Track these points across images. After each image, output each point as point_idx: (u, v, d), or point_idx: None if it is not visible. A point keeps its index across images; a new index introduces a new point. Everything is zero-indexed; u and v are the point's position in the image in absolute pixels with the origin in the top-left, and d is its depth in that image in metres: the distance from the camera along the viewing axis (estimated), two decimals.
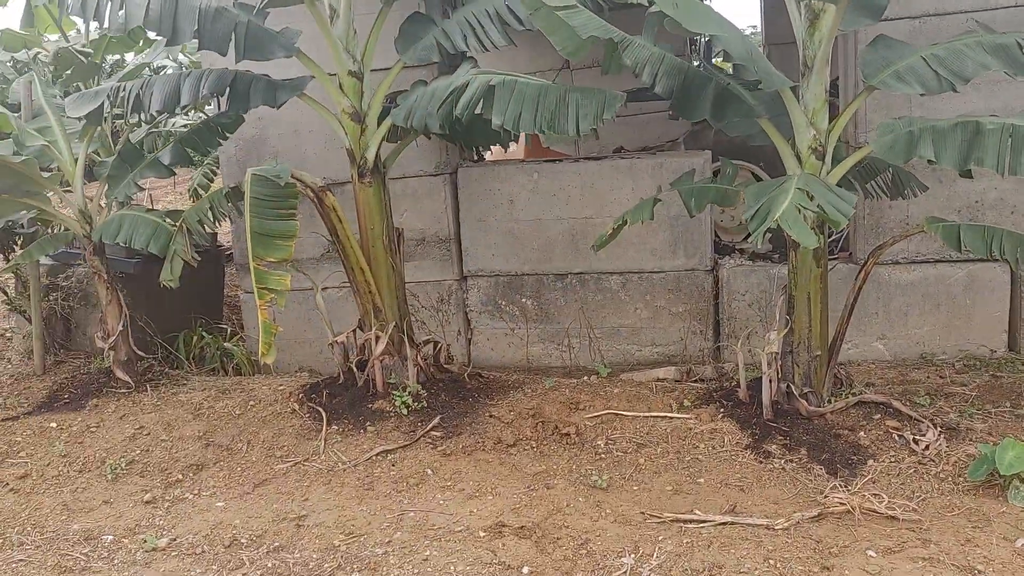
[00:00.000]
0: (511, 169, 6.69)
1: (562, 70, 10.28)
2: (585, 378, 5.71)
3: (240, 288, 7.26)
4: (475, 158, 7.32)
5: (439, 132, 4.87)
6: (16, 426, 5.48)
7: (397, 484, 4.51)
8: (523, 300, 6.73)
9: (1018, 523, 3.78)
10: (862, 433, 4.58)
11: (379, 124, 5.25)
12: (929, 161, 4.08)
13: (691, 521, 3.97)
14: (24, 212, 5.88)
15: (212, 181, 10.73)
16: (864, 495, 4.05)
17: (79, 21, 7.80)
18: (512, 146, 10.75)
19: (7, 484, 4.79)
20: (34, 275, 6.33)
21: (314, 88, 5.35)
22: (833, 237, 6.54)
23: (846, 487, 4.16)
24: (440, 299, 6.83)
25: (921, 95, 4.34)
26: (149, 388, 5.89)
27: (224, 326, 7.42)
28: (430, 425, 5.02)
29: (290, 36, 5.04)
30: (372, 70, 5.32)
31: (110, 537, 4.23)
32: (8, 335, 7.45)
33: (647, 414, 4.94)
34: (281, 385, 5.81)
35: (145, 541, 4.12)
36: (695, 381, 5.67)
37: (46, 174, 5.56)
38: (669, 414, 4.93)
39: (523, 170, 6.62)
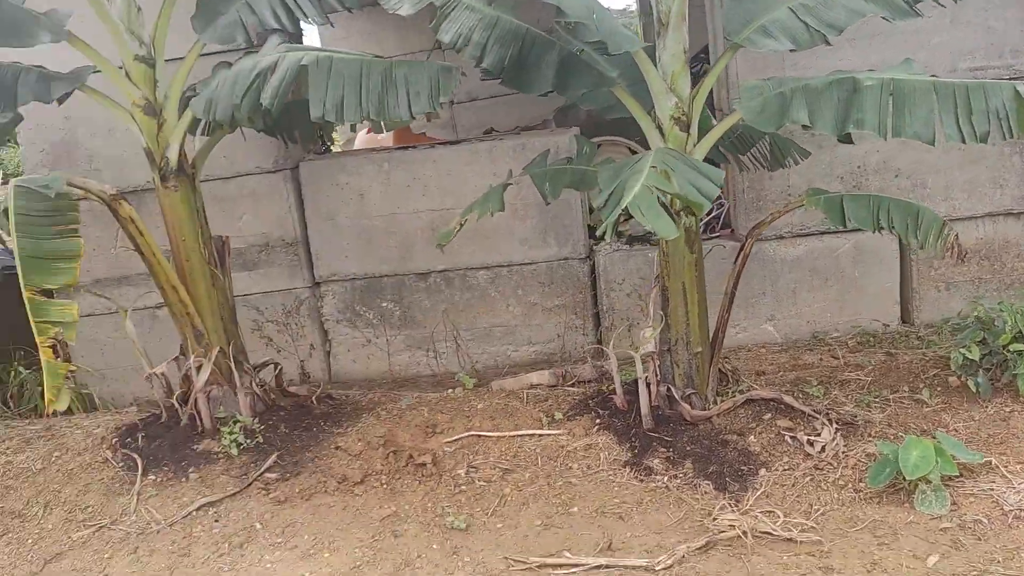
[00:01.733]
0: (359, 160, 5.97)
1: (433, 51, 9.51)
2: (449, 391, 5.05)
3: None
4: (319, 150, 6.57)
5: (250, 125, 4.11)
6: None
7: (218, 546, 3.78)
8: (384, 304, 6.04)
9: (928, 535, 3.30)
10: (752, 437, 4.06)
11: (180, 117, 4.46)
12: (804, 127, 3.55)
13: (561, 566, 3.37)
14: None
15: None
16: (756, 514, 3.53)
17: None
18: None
19: None
20: None
21: (102, 80, 4.51)
22: (714, 214, 6.04)
23: (736, 505, 3.63)
24: (288, 310, 6.07)
25: (791, 51, 3.81)
26: None
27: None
28: (264, 466, 4.29)
29: (58, 18, 4.20)
30: (169, 60, 4.52)
31: None
32: None
33: (514, 433, 4.32)
34: (98, 427, 4.98)
35: None
36: (572, 384, 5.06)
37: None
38: (539, 431, 4.32)
39: (372, 160, 5.91)
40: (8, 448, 4.82)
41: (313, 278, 6.12)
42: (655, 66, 3.86)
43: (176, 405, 4.66)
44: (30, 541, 4.00)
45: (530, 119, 9.65)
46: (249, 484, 4.18)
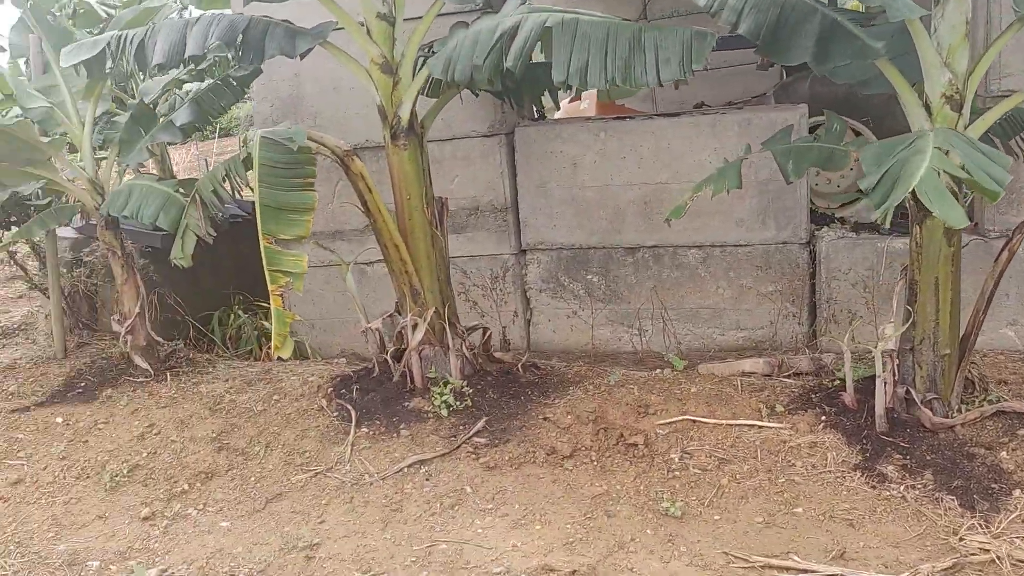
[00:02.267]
0: (574, 128, 5.85)
1: (639, 20, 9.27)
2: (658, 371, 4.88)
3: None
4: (534, 116, 6.50)
5: (488, 87, 4.06)
6: (23, 419, 4.95)
7: (430, 504, 3.80)
8: (589, 277, 5.92)
9: None
10: (1004, 453, 3.67)
11: (414, 77, 4.48)
12: None
13: (788, 569, 3.16)
14: (34, 182, 5.30)
15: None
16: (1012, 539, 3.18)
17: None
18: (583, 102, 9.94)
19: None
20: (51, 250, 5.78)
21: (341, 37, 4.59)
22: None
23: (987, 526, 3.29)
24: (495, 276, 6.07)
25: None
26: (169, 377, 5.29)
27: (265, 305, 6.81)
28: (473, 430, 4.29)
29: None
30: (405, 19, 4.53)
31: (96, 563, 3.64)
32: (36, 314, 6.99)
33: (731, 422, 4.10)
34: (312, 375, 5.15)
35: (132, 572, 3.51)
36: (788, 376, 4.79)
37: (46, 139, 4.95)
38: (758, 422, 4.09)
39: (588, 129, 5.77)
40: (231, 387, 5.06)
41: (520, 245, 6.08)
42: (930, 37, 3.50)
43: (389, 361, 4.74)
44: (253, 479, 4.17)
45: (737, 96, 9.27)
46: (458, 446, 4.18)
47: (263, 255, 3.98)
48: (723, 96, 9.23)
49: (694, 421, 4.14)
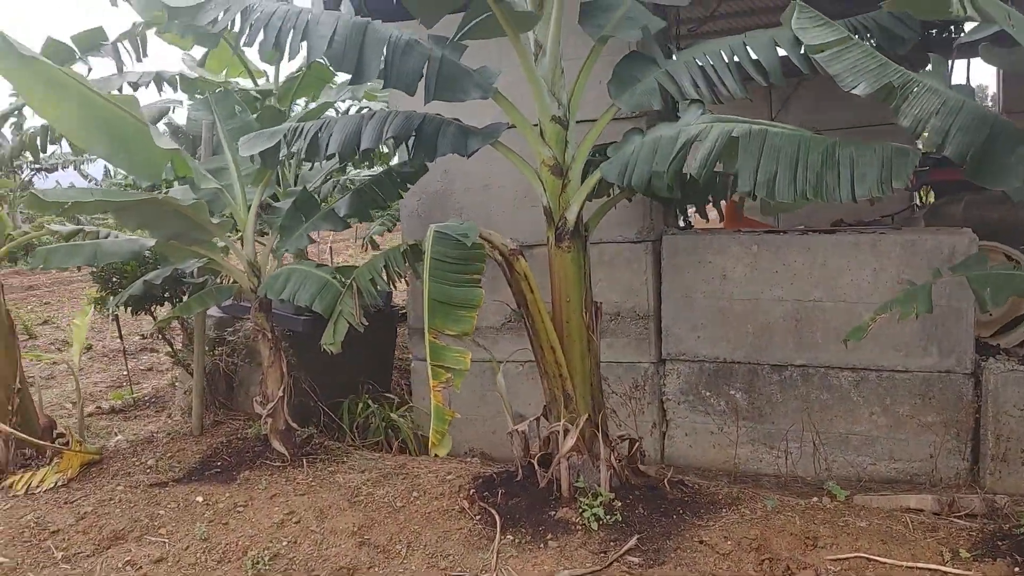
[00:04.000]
0: (726, 239, 5.74)
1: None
2: (815, 499, 4.61)
3: (412, 354, 6.62)
4: (682, 225, 6.44)
5: (665, 195, 4.00)
6: (162, 495, 4.96)
7: None
8: (732, 392, 5.72)
9: None
10: None
11: (583, 179, 4.47)
12: None
13: None
14: (193, 261, 5.45)
15: (390, 231, 10.35)
16: None
17: (268, 68, 7.56)
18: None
19: (140, 567, 4.21)
20: (199, 328, 5.91)
21: (508, 137, 4.63)
22: None
23: None
24: (634, 385, 5.92)
25: None
26: (306, 463, 5.26)
27: (390, 396, 6.79)
28: (625, 547, 4.07)
29: (488, 75, 4.35)
30: (576, 121, 4.55)
31: None
32: (172, 386, 7.12)
33: (912, 564, 3.80)
34: (449, 473, 5.03)
35: None
36: (959, 516, 4.46)
37: (216, 219, 5.09)
38: (941, 567, 3.77)
39: (739, 241, 5.66)
40: (368, 480, 4.99)
41: (660, 354, 5.94)
42: None
43: (535, 466, 4.60)
44: None
45: (866, 213, 9.12)
46: (609, 564, 3.97)
47: (427, 350, 3.93)
48: (854, 214, 9.08)
49: (869, 560, 3.84)
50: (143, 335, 9.84)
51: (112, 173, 23.88)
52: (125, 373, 8.29)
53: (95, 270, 6.16)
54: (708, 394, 5.82)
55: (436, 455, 4.00)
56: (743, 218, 9.52)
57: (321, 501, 4.71)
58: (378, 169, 7.18)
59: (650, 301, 5.91)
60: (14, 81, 4.62)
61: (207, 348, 6.27)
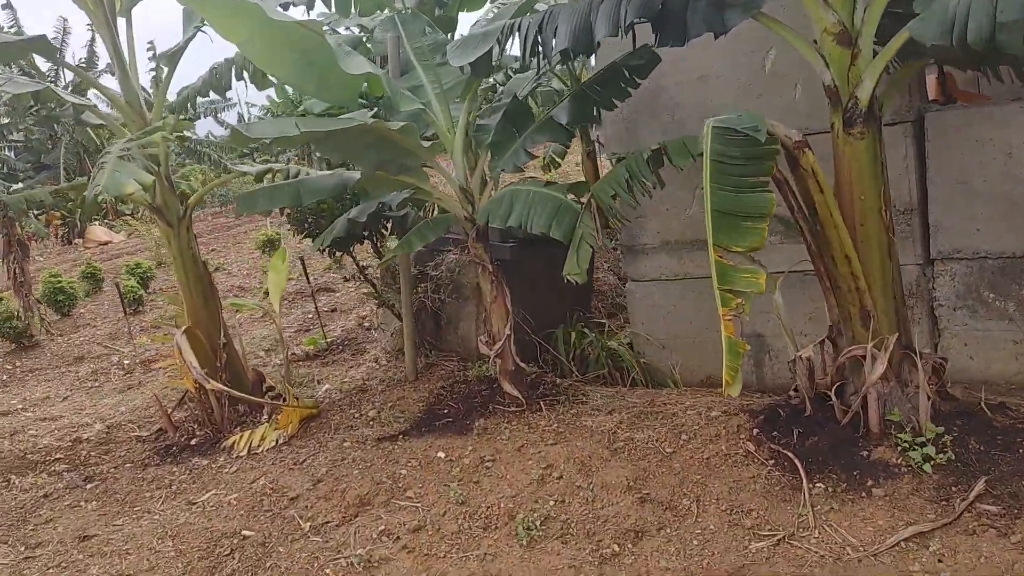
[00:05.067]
0: (1008, 110, 4.75)
1: None
2: None
3: (628, 275, 5.94)
4: (943, 101, 5.44)
5: (1019, 51, 3.10)
6: (397, 451, 4.52)
7: None
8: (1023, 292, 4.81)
9: None
10: None
11: (880, 47, 3.60)
12: None
13: None
14: (395, 193, 4.90)
15: (567, 148, 9.61)
16: None
17: None
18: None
19: (398, 538, 3.77)
20: (405, 266, 5.41)
21: (774, 7, 3.81)
22: None
23: None
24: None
25: None
26: (543, 406, 4.72)
27: (602, 321, 6.18)
28: (973, 492, 3.34)
29: None
30: None
31: None
32: (368, 326, 6.72)
33: None
34: (711, 409, 4.39)
35: None
36: None
37: (425, 143, 4.49)
38: None
39: None
40: (621, 422, 4.40)
41: (927, 254, 5.06)
42: None
43: (833, 398, 3.88)
44: (695, 543, 3.43)
45: None
46: (959, 515, 3.25)
47: (714, 272, 3.25)
48: None
49: None
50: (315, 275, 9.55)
51: (247, 119, 23.94)
52: (311, 317, 8.00)
53: (289, 212, 5.73)
54: (992, 296, 4.92)
55: (728, 395, 3.34)
56: (959, 91, 8.34)
57: (577, 451, 4.15)
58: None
59: (913, 193, 5.01)
60: (197, 6, 4.10)
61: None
